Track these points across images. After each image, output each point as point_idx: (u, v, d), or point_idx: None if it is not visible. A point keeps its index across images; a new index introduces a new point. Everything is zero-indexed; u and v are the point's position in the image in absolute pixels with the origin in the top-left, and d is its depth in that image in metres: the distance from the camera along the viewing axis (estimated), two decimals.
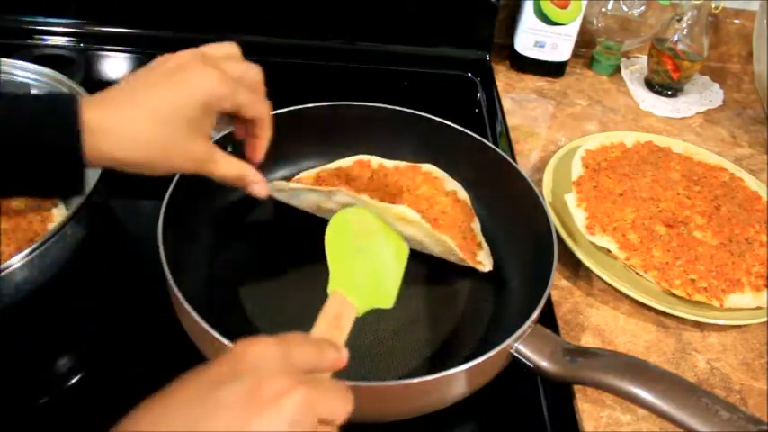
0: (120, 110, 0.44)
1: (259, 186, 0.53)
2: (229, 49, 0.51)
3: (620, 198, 0.71)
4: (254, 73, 0.50)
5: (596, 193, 0.72)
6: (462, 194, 0.70)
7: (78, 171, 0.44)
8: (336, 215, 0.55)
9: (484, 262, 0.63)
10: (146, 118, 0.44)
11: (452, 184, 0.71)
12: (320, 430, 0.34)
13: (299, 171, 0.73)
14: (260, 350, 0.34)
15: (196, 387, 0.33)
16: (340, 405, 0.35)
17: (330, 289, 0.46)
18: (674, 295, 0.63)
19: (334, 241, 0.52)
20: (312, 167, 0.73)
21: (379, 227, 0.56)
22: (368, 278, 0.49)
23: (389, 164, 0.72)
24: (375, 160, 0.72)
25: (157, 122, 0.44)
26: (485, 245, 0.66)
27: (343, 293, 0.45)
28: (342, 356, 0.39)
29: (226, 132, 0.66)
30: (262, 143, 0.53)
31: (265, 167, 0.71)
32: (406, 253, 0.55)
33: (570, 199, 0.71)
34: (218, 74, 0.46)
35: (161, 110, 0.45)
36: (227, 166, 0.50)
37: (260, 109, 0.51)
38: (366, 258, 0.52)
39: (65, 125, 0.42)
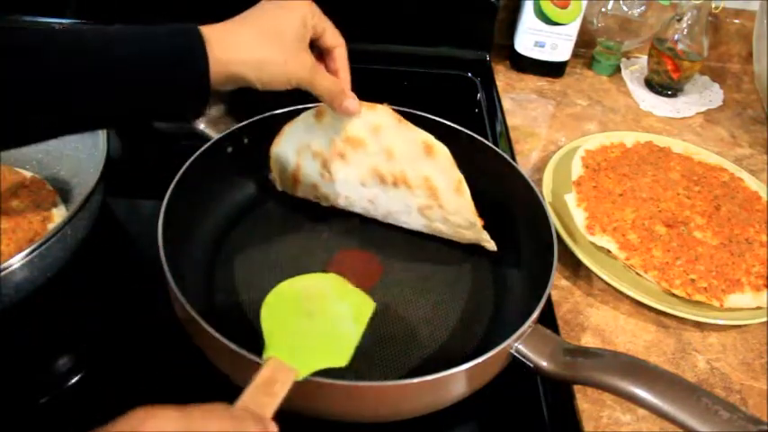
0: (237, 30, 0.51)
1: (353, 102, 0.57)
2: None
3: (620, 198, 0.71)
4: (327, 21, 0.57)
5: (596, 193, 0.72)
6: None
7: (204, 95, 0.50)
8: (278, 286, 0.53)
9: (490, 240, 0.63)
10: (263, 33, 0.51)
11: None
12: None
13: None
14: (158, 424, 0.33)
15: None
16: None
17: (265, 356, 0.44)
18: (674, 295, 0.63)
19: (272, 309, 0.50)
20: None
21: (335, 289, 0.55)
22: (315, 340, 0.49)
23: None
24: None
25: (273, 35, 0.51)
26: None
27: (279, 358, 0.44)
28: (266, 430, 0.38)
29: (227, 132, 0.66)
30: (344, 75, 0.58)
31: (266, 167, 0.71)
32: (369, 310, 0.53)
33: (570, 199, 0.71)
34: (310, 5, 0.54)
35: (275, 26, 0.52)
36: (329, 79, 0.56)
37: (338, 36, 0.57)
38: (314, 321, 0.51)
39: (195, 62, 0.48)
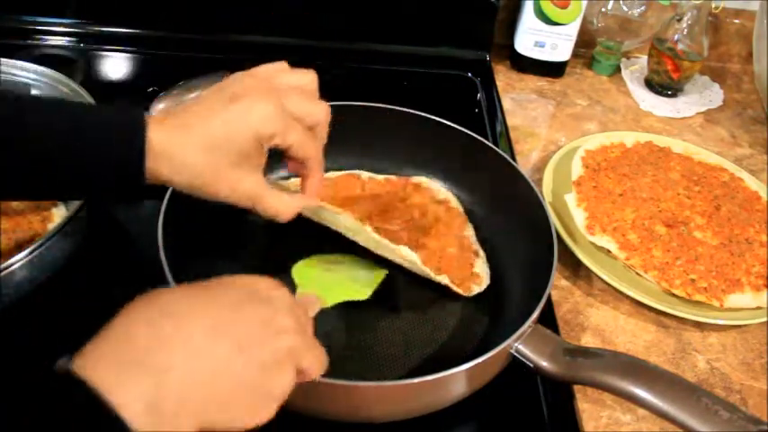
0: (178, 134, 0.44)
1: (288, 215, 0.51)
2: (306, 79, 0.50)
3: (620, 198, 0.71)
4: (318, 111, 0.49)
5: (596, 193, 0.72)
6: (454, 203, 0.70)
7: (137, 184, 0.45)
8: (305, 259, 0.61)
9: (480, 273, 0.63)
10: (198, 144, 0.44)
11: (444, 194, 0.71)
12: (296, 379, 0.37)
13: None
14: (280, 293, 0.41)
15: (234, 293, 0.40)
16: (317, 364, 0.39)
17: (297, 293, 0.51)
18: (674, 295, 0.63)
19: (301, 269, 0.59)
20: None
21: (351, 257, 0.62)
22: (339, 281, 0.58)
23: (380, 177, 0.73)
24: (365, 174, 0.73)
25: (207, 150, 0.44)
26: (481, 252, 0.66)
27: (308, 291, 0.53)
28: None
29: None
30: (312, 183, 0.52)
31: (266, 166, 0.71)
32: (382, 272, 0.61)
33: (570, 199, 0.71)
34: (275, 108, 0.45)
35: (212, 138, 0.44)
36: (279, 202, 0.49)
37: (308, 151, 0.49)
38: (337, 271, 0.60)
39: (132, 146, 0.43)
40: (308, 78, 0.50)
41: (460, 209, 0.70)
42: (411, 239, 0.64)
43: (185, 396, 0.32)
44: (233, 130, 0.45)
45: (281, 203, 0.49)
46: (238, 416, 0.34)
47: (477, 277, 0.63)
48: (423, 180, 0.72)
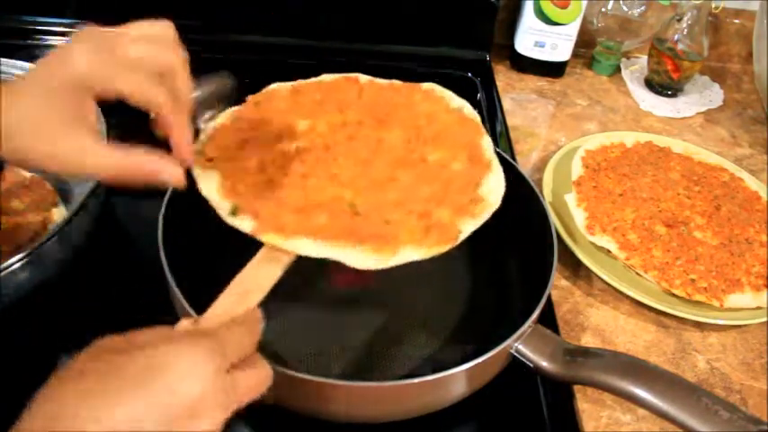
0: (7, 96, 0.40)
1: (169, 174, 0.43)
2: (154, 29, 0.47)
3: (620, 198, 0.71)
4: (167, 57, 0.44)
5: (596, 193, 0.72)
6: (469, 111, 0.59)
7: None
8: None
9: (484, 195, 0.51)
10: (27, 99, 0.40)
11: (458, 102, 0.61)
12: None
13: None
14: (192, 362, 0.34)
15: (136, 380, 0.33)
16: (253, 391, 0.37)
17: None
18: (674, 295, 0.63)
19: None
20: None
21: None
22: None
23: (382, 81, 0.62)
24: (364, 78, 0.62)
25: (33, 105, 0.40)
26: (496, 165, 0.54)
27: None
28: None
29: None
30: (177, 139, 0.45)
31: None
32: None
33: (570, 199, 0.71)
34: (96, 51, 0.41)
35: (35, 89, 0.40)
36: (105, 158, 0.41)
37: (152, 97, 0.42)
38: None
39: None
40: (156, 28, 0.46)
41: (477, 118, 0.59)
42: (410, 150, 0.55)
43: None
44: (51, 79, 0.40)
45: (112, 157, 0.41)
46: None
47: (479, 201, 0.50)
48: (435, 87, 0.62)
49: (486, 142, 0.56)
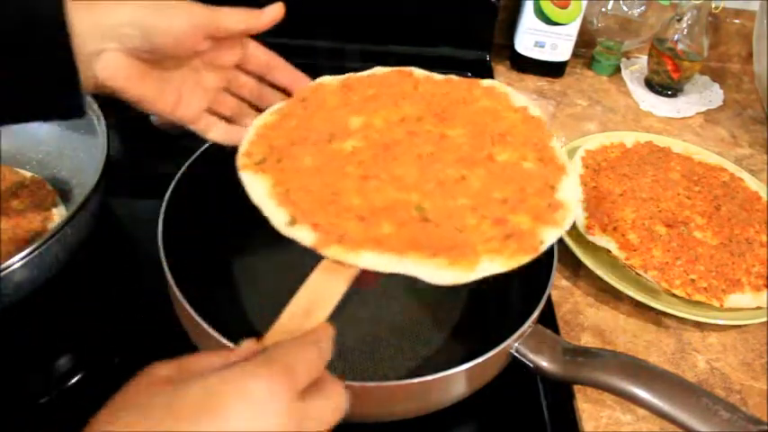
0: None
1: (267, 15, 0.48)
2: None
3: (620, 198, 0.71)
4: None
5: (596, 194, 0.72)
6: (534, 111, 0.55)
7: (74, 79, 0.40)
8: None
9: (563, 200, 0.45)
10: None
11: (522, 100, 0.56)
12: None
13: None
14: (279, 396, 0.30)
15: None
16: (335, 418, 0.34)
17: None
18: (674, 295, 0.63)
19: None
20: None
21: None
22: None
23: (438, 77, 0.57)
24: (419, 71, 0.58)
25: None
26: (570, 168, 0.49)
27: None
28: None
29: None
30: (294, 77, 0.51)
31: None
32: None
33: None
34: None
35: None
36: (232, 14, 0.46)
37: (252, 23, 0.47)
38: None
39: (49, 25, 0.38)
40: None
41: (543, 117, 0.54)
42: (476, 148, 0.49)
43: None
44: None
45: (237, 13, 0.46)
46: None
47: (559, 207, 0.45)
48: (495, 84, 0.57)
49: (556, 143, 0.51)
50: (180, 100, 0.47)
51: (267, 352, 0.33)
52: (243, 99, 0.52)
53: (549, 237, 0.43)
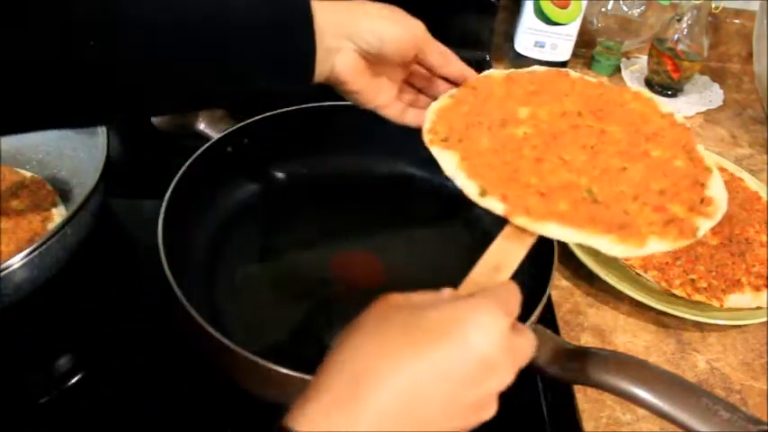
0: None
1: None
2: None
3: None
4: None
5: None
6: (680, 117, 0.58)
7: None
8: None
9: (713, 197, 0.49)
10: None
11: (667, 107, 0.59)
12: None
13: (300, 171, 0.73)
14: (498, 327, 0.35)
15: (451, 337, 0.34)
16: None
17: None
18: (673, 295, 0.63)
19: None
20: (312, 167, 0.73)
21: None
22: None
23: (591, 79, 0.62)
24: (574, 73, 0.62)
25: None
26: (716, 170, 0.52)
27: None
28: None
29: (227, 132, 0.66)
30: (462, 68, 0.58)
31: (266, 167, 0.71)
32: None
33: None
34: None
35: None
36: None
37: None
38: None
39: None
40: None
41: (687, 124, 0.57)
42: (633, 144, 0.54)
43: None
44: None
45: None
46: None
47: (710, 202, 0.48)
48: (642, 90, 0.61)
49: (701, 149, 0.55)
50: (380, 90, 0.54)
51: (482, 292, 0.38)
52: (418, 89, 0.59)
53: (703, 226, 0.46)
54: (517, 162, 0.50)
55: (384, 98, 0.55)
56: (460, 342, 0.33)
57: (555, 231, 0.45)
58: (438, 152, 0.51)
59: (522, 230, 0.45)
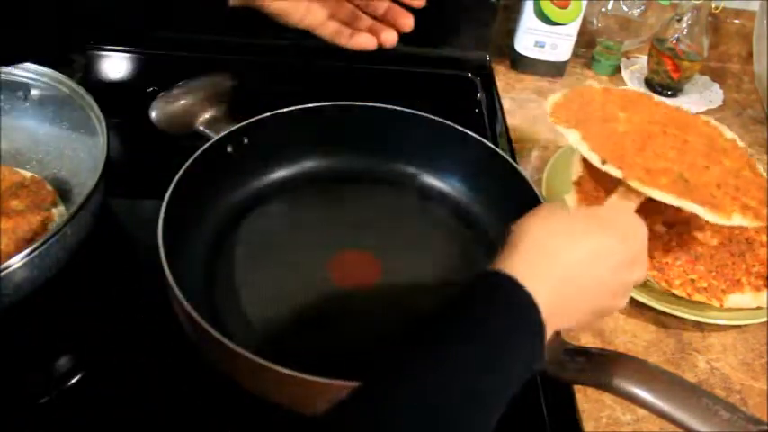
0: None
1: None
2: None
3: None
4: None
5: (596, 194, 0.71)
6: (740, 143, 0.70)
7: None
8: None
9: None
10: None
11: (730, 134, 0.71)
12: None
13: (300, 171, 0.73)
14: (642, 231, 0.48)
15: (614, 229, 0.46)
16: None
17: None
18: (673, 295, 0.63)
19: None
20: (312, 167, 0.74)
21: None
22: None
23: (668, 101, 0.75)
24: (656, 97, 0.76)
25: None
26: None
27: None
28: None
29: (227, 132, 0.66)
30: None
31: (266, 167, 0.71)
32: None
33: (570, 199, 0.71)
34: None
35: None
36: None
37: None
38: None
39: None
40: None
41: (748, 150, 0.70)
42: (709, 153, 0.64)
43: (572, 298, 0.42)
44: None
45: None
46: (593, 318, 0.47)
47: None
48: (710, 119, 0.73)
49: (761, 169, 0.66)
50: (309, 10, 0.55)
51: None
52: (356, 5, 0.59)
53: None
54: (624, 147, 0.61)
55: (313, 19, 0.55)
56: (629, 235, 0.45)
57: (660, 195, 0.55)
58: (564, 129, 0.63)
59: (630, 192, 0.55)
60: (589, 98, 0.69)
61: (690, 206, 0.55)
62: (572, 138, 0.61)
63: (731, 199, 0.58)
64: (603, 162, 0.58)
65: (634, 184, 0.56)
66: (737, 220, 0.56)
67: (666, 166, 0.59)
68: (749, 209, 0.57)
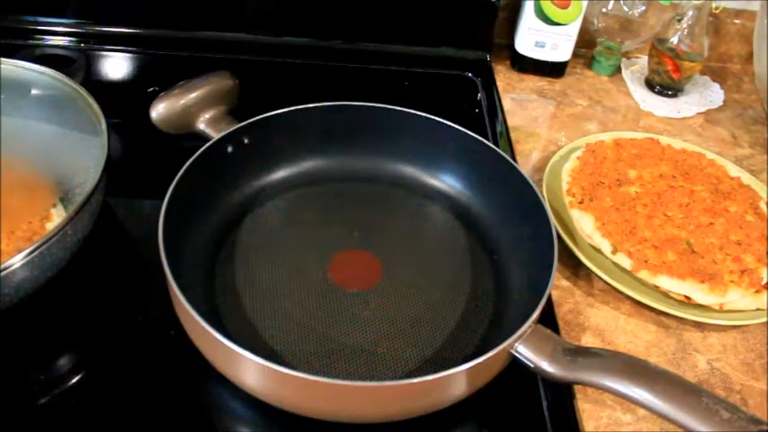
0: None
1: None
2: None
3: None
4: None
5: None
6: (746, 179, 0.75)
7: None
8: None
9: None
10: None
11: (736, 171, 0.76)
12: None
13: (300, 171, 0.73)
14: None
15: None
16: None
17: None
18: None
19: None
20: (313, 167, 0.74)
21: None
22: None
23: (677, 146, 0.79)
24: (664, 140, 0.79)
25: None
26: None
27: None
28: None
29: (227, 132, 0.66)
30: None
31: (266, 167, 0.71)
32: None
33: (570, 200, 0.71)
34: None
35: None
36: None
37: None
38: None
39: None
40: None
41: (752, 185, 0.74)
42: (715, 202, 0.69)
43: None
44: None
45: None
46: None
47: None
48: (716, 157, 0.78)
49: (763, 204, 0.70)
50: None
51: None
52: None
53: (765, 275, 0.62)
54: (634, 219, 0.65)
55: None
56: None
57: (666, 283, 0.61)
58: (579, 214, 0.67)
59: None
60: (601, 157, 0.74)
61: (687, 291, 0.61)
62: (586, 226, 0.66)
63: (732, 261, 0.62)
64: (614, 252, 0.63)
65: (642, 275, 0.61)
66: (731, 296, 0.60)
67: (674, 233, 0.64)
68: (747, 272, 0.61)
